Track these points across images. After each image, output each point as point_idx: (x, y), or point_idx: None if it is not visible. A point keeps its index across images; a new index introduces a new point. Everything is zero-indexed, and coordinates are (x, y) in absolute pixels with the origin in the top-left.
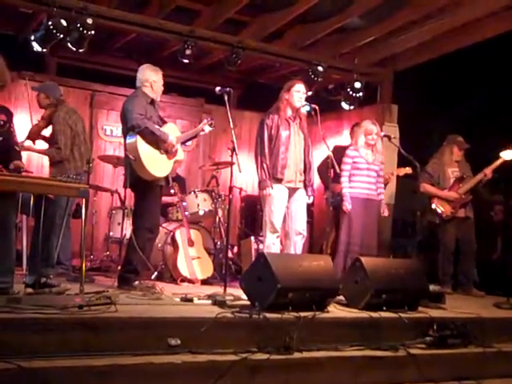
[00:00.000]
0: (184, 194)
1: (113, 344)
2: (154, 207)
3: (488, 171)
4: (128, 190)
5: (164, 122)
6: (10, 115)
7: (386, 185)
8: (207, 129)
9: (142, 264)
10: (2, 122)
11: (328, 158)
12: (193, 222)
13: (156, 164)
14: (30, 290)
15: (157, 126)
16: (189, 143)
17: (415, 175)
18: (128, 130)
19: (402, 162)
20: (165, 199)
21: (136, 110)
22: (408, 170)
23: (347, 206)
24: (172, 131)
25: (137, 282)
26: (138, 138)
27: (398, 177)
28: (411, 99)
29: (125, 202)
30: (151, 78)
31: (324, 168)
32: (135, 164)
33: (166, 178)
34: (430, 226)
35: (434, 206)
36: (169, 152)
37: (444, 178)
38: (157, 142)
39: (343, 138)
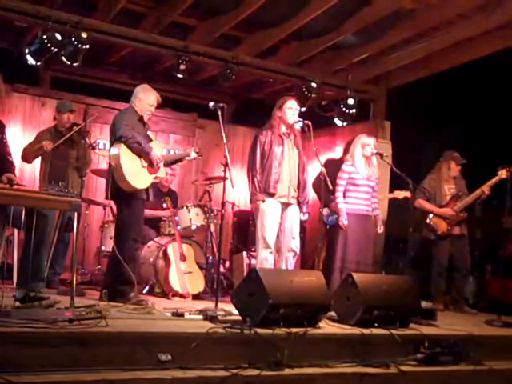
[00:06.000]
0: (176, 209)
1: (102, 359)
2: (137, 218)
3: (486, 188)
4: None
5: (150, 141)
6: (2, 127)
7: None
8: (193, 155)
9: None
10: None
11: (321, 173)
12: (185, 237)
13: (135, 175)
14: (19, 304)
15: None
16: (174, 167)
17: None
18: (115, 140)
19: (393, 179)
20: (157, 213)
21: (124, 122)
22: (407, 193)
23: (343, 221)
24: (156, 148)
25: (132, 294)
26: (122, 147)
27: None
28: (404, 116)
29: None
30: (138, 97)
31: (319, 184)
32: (115, 173)
33: (147, 192)
34: (423, 241)
35: (429, 222)
36: (152, 166)
37: (440, 194)
38: (140, 154)
39: (336, 154)
